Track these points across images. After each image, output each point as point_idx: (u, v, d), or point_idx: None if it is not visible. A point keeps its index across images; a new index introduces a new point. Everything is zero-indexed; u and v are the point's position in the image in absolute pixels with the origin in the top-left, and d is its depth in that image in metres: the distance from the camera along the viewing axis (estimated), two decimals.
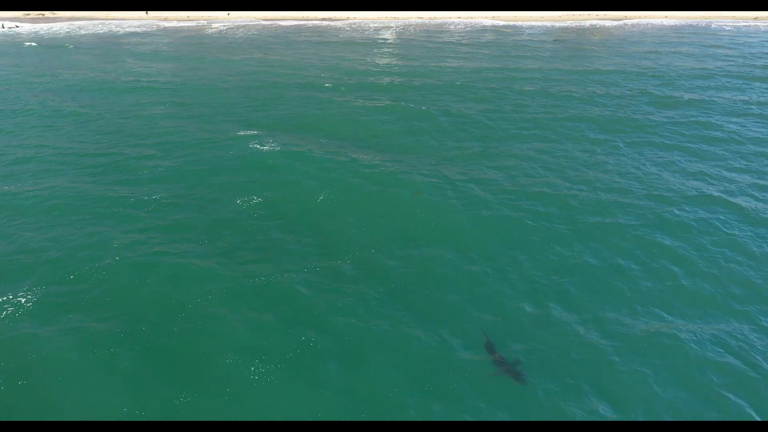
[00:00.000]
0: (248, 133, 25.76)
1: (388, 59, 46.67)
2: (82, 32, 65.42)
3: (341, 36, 61.98)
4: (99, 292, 13.83)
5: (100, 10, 77.52)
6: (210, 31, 67.03)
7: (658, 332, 12.33)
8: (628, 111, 29.42)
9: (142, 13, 79.71)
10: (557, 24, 70.68)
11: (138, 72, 40.96)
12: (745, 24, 67.72)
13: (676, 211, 17.89)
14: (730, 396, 10.63)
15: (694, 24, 68.53)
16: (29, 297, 13.57)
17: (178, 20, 76.75)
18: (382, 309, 13.15)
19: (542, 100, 32.09)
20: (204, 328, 12.62)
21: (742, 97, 32.01)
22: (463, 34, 62.22)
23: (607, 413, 10.17)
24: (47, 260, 15.10)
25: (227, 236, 16.55)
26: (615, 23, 70.39)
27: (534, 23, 71.47)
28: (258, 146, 23.87)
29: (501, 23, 71.29)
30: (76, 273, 14.45)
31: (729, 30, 62.48)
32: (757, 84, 35.32)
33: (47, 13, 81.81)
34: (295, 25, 71.21)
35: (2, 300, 13.33)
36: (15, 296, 13.54)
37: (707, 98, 31.69)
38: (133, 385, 11.12)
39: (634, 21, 71.92)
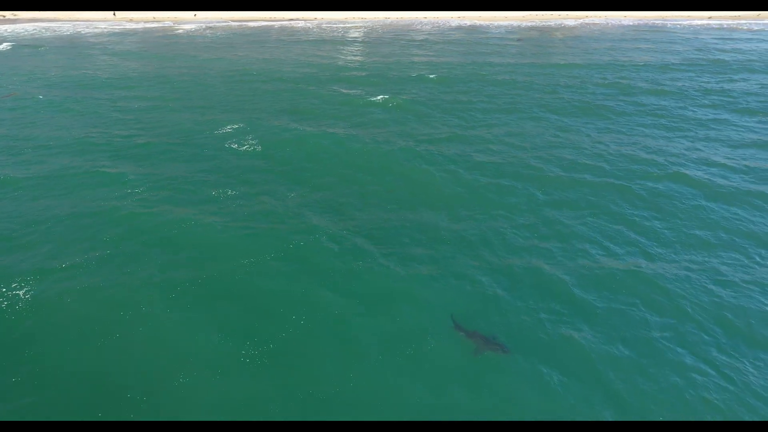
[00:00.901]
0: (228, 117, 26.88)
1: (360, 56, 48.14)
2: (48, 34, 65.08)
3: (311, 35, 63.20)
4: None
5: (69, 10, 77.02)
6: (179, 31, 67.45)
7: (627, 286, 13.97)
8: (589, 98, 31.50)
9: (107, 14, 79.46)
10: (522, 24, 73.33)
11: (115, 71, 41.51)
12: (699, 23, 71.49)
13: (637, 182, 19.73)
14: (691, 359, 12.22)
15: (650, 23, 71.96)
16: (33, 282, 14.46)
17: (145, 21, 76.83)
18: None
19: (509, 89, 33.97)
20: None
21: (693, 84, 34.54)
22: (431, 33, 64.14)
23: (586, 379, 10.75)
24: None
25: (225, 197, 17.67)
26: (577, 22, 73.38)
27: (500, 23, 73.96)
28: (236, 131, 25.02)
29: (467, 23, 73.56)
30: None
31: (683, 28, 65.95)
32: (707, 74, 38.01)
33: (7, 14, 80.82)
34: (264, 26, 72.13)
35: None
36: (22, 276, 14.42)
37: (663, 87, 34.06)
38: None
39: (595, 20, 75.08)
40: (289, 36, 62.55)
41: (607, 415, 9.91)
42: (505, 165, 21.68)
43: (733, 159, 22.19)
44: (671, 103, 30.62)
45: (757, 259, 15.00)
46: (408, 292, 13.30)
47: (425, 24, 73.14)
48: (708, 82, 35.76)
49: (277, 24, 73.97)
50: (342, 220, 17.19)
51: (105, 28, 69.59)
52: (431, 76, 38.50)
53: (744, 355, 11.48)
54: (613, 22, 73.32)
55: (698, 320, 12.50)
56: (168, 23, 75.14)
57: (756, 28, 66.39)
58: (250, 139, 24.51)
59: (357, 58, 47.53)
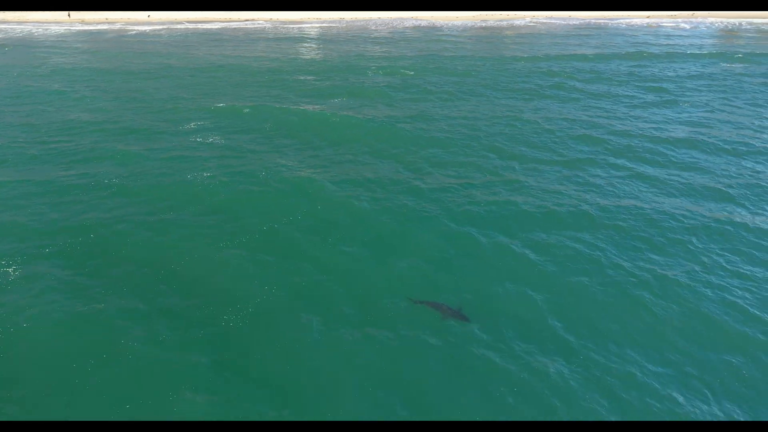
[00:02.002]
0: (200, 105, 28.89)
1: (317, 52, 50.55)
2: None
3: (269, 35, 65.23)
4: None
5: (20, 10, 76.68)
6: (133, 32, 68.39)
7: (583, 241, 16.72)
8: (533, 85, 34.80)
9: (59, 15, 79.47)
10: (477, 23, 77.09)
11: (67, 74, 42.75)
12: (638, 21, 76.73)
13: (570, 145, 22.73)
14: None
15: (593, 23, 76.81)
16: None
17: (98, 22, 77.27)
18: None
19: (462, 79, 37.02)
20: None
21: (630, 71, 38.50)
22: (386, 32, 67.06)
23: (547, 344, 11.34)
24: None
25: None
26: (526, 22, 77.64)
27: (453, 22, 77.55)
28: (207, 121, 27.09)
29: (423, 23, 76.86)
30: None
31: (625, 27, 70.87)
32: (644, 62, 42.19)
33: None
34: (219, 28, 73.67)
35: None
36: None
37: (602, 74, 37.77)
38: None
39: (544, 20, 79.54)
40: (246, 35, 64.42)
41: (556, 362, 10.79)
42: (458, 138, 24.48)
43: (638, 125, 25.61)
44: (599, 87, 34.21)
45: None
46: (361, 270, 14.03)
47: (379, 24, 76.06)
48: (634, 68, 39.77)
49: (233, 25, 75.58)
50: (306, 199, 19.51)
51: (57, 29, 69.91)
52: (385, 64, 41.25)
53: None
54: (560, 21, 77.85)
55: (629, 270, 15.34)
56: (117, 25, 75.76)
57: (689, 26, 71.90)
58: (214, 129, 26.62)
59: (314, 53, 49.90)
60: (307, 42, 58.17)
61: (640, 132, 25.17)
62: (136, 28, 72.21)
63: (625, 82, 35.92)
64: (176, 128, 25.58)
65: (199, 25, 74.71)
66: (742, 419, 9.68)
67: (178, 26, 73.42)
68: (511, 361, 10.65)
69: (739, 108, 29.86)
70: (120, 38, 61.19)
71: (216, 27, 73.67)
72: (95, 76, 38.84)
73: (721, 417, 9.64)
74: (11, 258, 14.20)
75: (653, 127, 25.89)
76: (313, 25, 75.36)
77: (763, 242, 15.47)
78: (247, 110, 28.54)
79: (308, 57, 47.58)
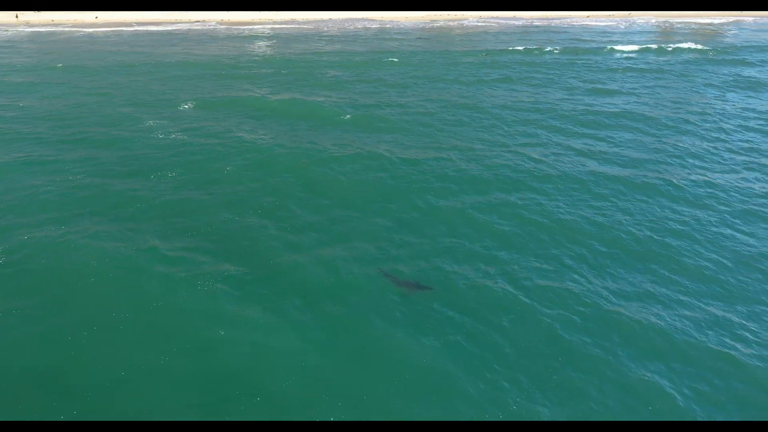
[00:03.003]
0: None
1: (271, 50, 52.43)
2: None
3: (220, 36, 66.59)
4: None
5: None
6: (79, 34, 68.57)
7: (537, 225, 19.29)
8: (480, 74, 37.80)
9: (7, 17, 78.63)
10: (427, 23, 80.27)
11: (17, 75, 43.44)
12: (578, 22, 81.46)
13: (506, 121, 25.51)
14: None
15: (537, 23, 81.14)
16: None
17: (43, 24, 76.87)
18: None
19: (410, 71, 39.71)
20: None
21: (568, 62, 42.05)
22: (338, 32, 69.39)
23: (495, 312, 12.37)
24: None
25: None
26: (474, 21, 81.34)
27: (404, 22, 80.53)
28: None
29: (375, 24, 79.52)
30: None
31: (566, 26, 75.31)
32: (579, 55, 45.89)
33: None
34: (171, 30, 74.46)
35: None
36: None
37: (541, 65, 41.11)
38: None
39: (490, 20, 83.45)
40: (203, 36, 65.62)
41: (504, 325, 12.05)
42: (405, 120, 26.98)
43: (574, 106, 28.75)
44: (539, 75, 37.51)
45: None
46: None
47: (330, 24, 78.32)
48: (571, 59, 43.42)
49: (184, 26, 76.41)
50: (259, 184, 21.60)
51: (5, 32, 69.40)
52: (335, 59, 43.57)
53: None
54: (505, 21, 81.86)
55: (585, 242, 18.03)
56: (68, 27, 75.59)
57: (624, 26, 76.95)
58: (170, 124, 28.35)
59: (267, 50, 51.76)
60: (261, 41, 59.91)
61: (574, 112, 28.30)
62: (83, 30, 72.31)
63: (563, 72, 39.34)
64: (138, 125, 26.42)
65: (150, 27, 75.25)
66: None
67: (128, 28, 73.84)
68: (468, 317, 12.25)
69: (665, 90, 33.57)
70: (70, 39, 61.53)
71: (168, 29, 74.41)
72: (43, 75, 39.79)
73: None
74: None
75: (586, 108, 29.07)
76: (265, 26, 76.95)
77: (645, 195, 18.58)
78: (206, 104, 30.42)
79: (262, 54, 49.43)
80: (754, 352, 11.32)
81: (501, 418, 9.73)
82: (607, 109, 28.85)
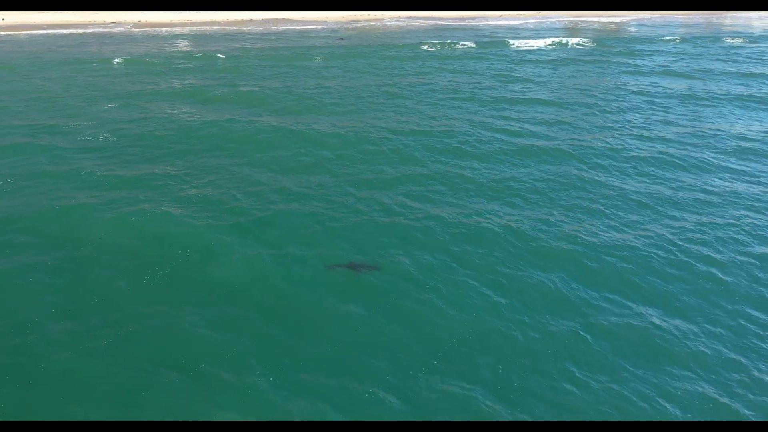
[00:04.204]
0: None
1: (190, 48, 53.34)
2: None
3: (138, 37, 66.52)
4: None
5: None
6: None
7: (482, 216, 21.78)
8: (394, 65, 40.60)
9: None
10: (349, 24, 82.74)
11: None
12: (492, 22, 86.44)
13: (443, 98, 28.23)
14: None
15: (453, 23, 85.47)
16: None
17: None
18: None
19: (332, 64, 42.04)
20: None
21: (475, 53, 45.66)
22: (258, 32, 70.78)
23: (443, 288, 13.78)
24: None
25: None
26: (394, 22, 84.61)
27: (328, 22, 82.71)
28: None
29: (298, 26, 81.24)
30: None
31: (481, 24, 79.92)
32: (490, 49, 49.81)
33: None
34: (81, 33, 73.35)
35: None
36: None
37: (451, 57, 44.47)
38: None
39: (407, 20, 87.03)
40: (113, 39, 65.31)
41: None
42: (317, 105, 29.26)
43: (487, 93, 32.00)
44: (455, 65, 40.86)
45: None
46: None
47: (250, 25, 79.46)
48: (482, 53, 47.17)
49: (97, 29, 75.37)
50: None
51: None
52: (250, 61, 45.31)
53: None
54: (419, 23, 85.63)
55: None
56: None
57: (532, 24, 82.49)
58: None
59: (187, 48, 52.68)
60: (178, 40, 60.53)
61: (482, 95, 31.55)
62: None
63: (474, 62, 42.84)
64: (63, 129, 26.43)
65: (61, 30, 73.78)
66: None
67: (37, 31, 72.19)
68: (413, 287, 13.93)
69: (567, 76, 37.53)
70: None
71: (77, 32, 73.21)
72: None
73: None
74: None
75: (492, 91, 32.40)
76: (183, 28, 77.10)
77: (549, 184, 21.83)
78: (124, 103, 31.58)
79: (182, 52, 50.35)
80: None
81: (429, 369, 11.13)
82: (512, 93, 32.27)
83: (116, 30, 71.94)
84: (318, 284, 13.98)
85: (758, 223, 17.14)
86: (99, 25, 79.21)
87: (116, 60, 44.35)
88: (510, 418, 10.07)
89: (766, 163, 22.30)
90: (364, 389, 10.70)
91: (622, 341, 12.06)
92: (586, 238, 15.91)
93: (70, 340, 11.75)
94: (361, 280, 14.10)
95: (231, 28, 77.53)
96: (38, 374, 10.86)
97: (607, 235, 16.19)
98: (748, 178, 20.61)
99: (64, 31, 69.47)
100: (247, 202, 18.19)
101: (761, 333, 12.37)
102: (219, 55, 47.59)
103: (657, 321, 12.66)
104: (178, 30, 75.96)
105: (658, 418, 10.18)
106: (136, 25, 79.39)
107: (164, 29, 75.35)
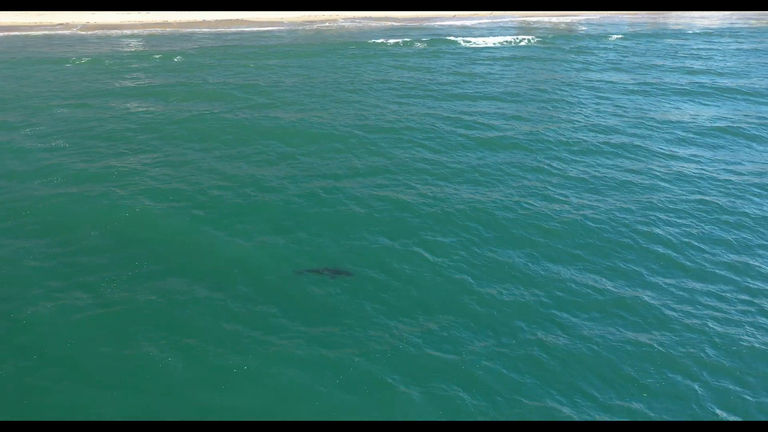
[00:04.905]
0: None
1: (145, 49, 53.21)
2: None
3: (88, 40, 65.71)
4: None
5: None
6: None
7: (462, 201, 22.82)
8: (351, 63, 41.67)
9: None
10: (306, 25, 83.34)
11: None
12: (448, 22, 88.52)
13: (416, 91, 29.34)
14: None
15: (409, 24, 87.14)
16: None
17: None
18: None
19: (289, 62, 42.84)
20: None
21: (430, 51, 47.25)
22: (213, 33, 70.80)
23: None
24: None
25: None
26: (350, 22, 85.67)
27: (284, 23, 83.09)
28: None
29: (254, 27, 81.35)
30: None
31: (436, 25, 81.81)
32: (446, 47, 51.47)
33: None
34: (23, 35, 71.89)
35: None
36: None
37: (406, 55, 45.86)
38: None
39: (364, 20, 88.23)
40: (62, 40, 64.36)
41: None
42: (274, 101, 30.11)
43: (444, 88, 33.40)
44: (414, 62, 42.24)
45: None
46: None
47: (206, 27, 79.29)
48: (438, 51, 48.84)
49: (46, 30, 73.94)
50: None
51: None
52: (210, 61, 45.75)
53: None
54: (376, 23, 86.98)
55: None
56: None
57: (486, 23, 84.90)
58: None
59: (140, 47, 52.56)
60: (134, 41, 60.18)
61: (437, 89, 32.94)
62: None
63: (429, 59, 44.33)
64: (24, 129, 26.52)
65: (5, 33, 72.12)
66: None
67: None
68: (386, 289, 14.43)
69: (518, 72, 39.30)
70: None
71: (21, 34, 71.76)
72: None
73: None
74: None
75: (448, 86, 33.82)
76: (134, 30, 76.35)
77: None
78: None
79: (137, 52, 50.26)
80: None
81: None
82: (468, 89, 33.75)
83: (65, 32, 70.70)
84: (290, 269, 14.88)
85: (692, 197, 18.96)
86: (46, 27, 77.58)
87: (68, 65, 43.94)
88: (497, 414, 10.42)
89: (704, 147, 24.28)
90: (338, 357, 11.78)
91: (570, 303, 13.51)
92: (543, 217, 17.30)
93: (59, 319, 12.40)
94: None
95: (184, 29, 77.11)
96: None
97: (563, 215, 17.62)
98: (688, 162, 22.47)
99: (8, 33, 67.97)
100: (217, 193, 18.94)
101: (701, 300, 13.91)
102: (175, 57, 47.69)
103: (606, 285, 14.11)
104: (129, 32, 75.16)
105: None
106: (84, 27, 78.09)
107: (114, 31, 74.48)
